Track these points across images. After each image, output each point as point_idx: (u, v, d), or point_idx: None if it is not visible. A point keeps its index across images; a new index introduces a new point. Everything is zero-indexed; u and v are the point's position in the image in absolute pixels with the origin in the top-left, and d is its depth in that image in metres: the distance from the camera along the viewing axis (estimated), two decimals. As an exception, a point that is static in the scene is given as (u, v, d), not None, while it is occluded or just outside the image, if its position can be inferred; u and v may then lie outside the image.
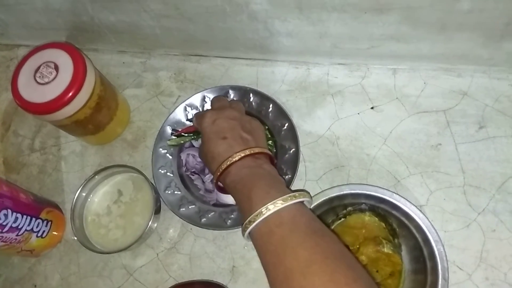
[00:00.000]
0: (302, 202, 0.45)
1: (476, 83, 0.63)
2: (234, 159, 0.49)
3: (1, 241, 0.54)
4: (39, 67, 0.57)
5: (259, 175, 0.48)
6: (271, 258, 0.41)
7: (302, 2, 0.55)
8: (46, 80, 0.56)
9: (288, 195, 0.43)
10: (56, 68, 0.57)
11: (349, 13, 0.56)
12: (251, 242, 0.59)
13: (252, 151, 0.49)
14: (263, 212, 0.42)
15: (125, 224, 0.60)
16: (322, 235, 0.42)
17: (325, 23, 0.58)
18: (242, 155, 0.49)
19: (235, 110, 0.55)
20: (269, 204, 0.42)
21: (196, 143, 0.65)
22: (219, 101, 0.59)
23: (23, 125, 0.74)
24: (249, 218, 0.43)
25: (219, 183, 0.51)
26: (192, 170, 0.63)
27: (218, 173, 0.50)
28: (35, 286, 0.63)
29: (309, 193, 0.47)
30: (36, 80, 0.56)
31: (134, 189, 0.62)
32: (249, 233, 0.44)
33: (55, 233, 0.63)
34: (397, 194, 0.53)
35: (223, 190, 0.53)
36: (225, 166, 0.49)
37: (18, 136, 0.74)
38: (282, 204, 0.42)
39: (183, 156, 0.65)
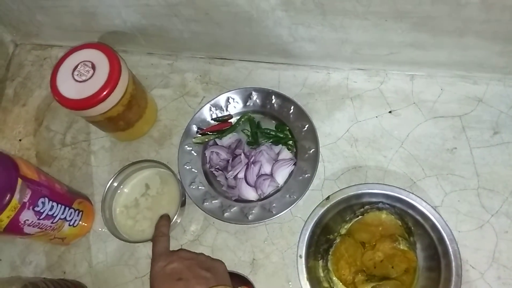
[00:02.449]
0: None
1: (491, 90, 0.65)
2: None
3: (37, 228, 0.58)
4: (77, 66, 0.61)
5: None
6: None
7: (326, 9, 0.58)
8: (84, 78, 0.60)
9: None
10: (93, 67, 0.60)
11: (370, 21, 0.59)
12: (271, 236, 0.62)
13: None
14: None
15: (152, 216, 0.64)
16: None
17: (347, 29, 0.61)
18: None
19: (188, 251, 0.53)
20: None
21: (220, 142, 0.68)
22: (164, 242, 0.54)
23: (55, 121, 0.78)
24: None
25: None
26: (216, 167, 0.67)
27: None
28: (64, 272, 0.66)
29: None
30: (74, 77, 0.60)
31: (161, 184, 0.66)
32: None
33: (84, 223, 0.66)
34: (414, 194, 0.56)
35: None
36: None
37: (50, 131, 0.78)
38: None
39: (207, 153, 0.68)
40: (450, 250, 0.53)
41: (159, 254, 0.52)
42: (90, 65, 0.60)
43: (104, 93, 0.59)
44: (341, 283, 0.56)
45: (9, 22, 0.81)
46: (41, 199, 0.57)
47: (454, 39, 0.59)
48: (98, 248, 0.67)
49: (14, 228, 0.54)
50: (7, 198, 0.51)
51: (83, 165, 0.73)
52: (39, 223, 0.57)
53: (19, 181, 0.53)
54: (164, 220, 0.58)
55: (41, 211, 0.57)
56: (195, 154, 0.68)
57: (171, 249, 0.54)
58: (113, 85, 0.59)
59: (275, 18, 0.62)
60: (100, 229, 0.68)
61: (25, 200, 0.54)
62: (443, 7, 0.53)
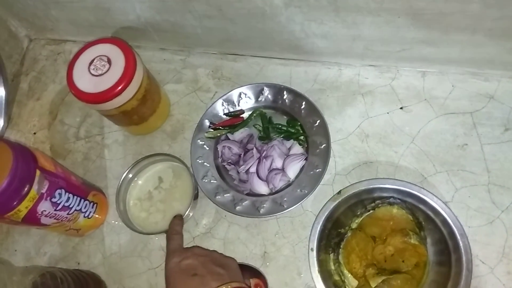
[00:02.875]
0: None
1: (502, 87, 0.65)
2: None
3: (54, 219, 0.59)
4: (93, 60, 0.62)
5: None
6: None
7: (339, 5, 0.59)
8: (100, 72, 0.61)
9: None
10: (109, 61, 0.61)
11: (383, 17, 0.59)
12: (282, 230, 0.63)
13: (229, 286, 0.47)
14: None
15: (165, 209, 0.65)
16: None
17: (360, 26, 0.62)
18: None
19: (202, 248, 0.54)
20: None
21: (232, 136, 0.69)
22: (178, 240, 0.56)
23: (69, 114, 0.80)
24: None
25: None
26: (228, 161, 0.67)
27: None
28: (78, 263, 0.68)
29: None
30: (90, 72, 0.61)
31: (174, 177, 0.67)
32: None
33: (98, 216, 0.67)
34: (425, 189, 0.56)
35: None
36: None
37: (64, 124, 0.79)
38: None
39: (220, 147, 0.69)
40: (461, 245, 0.53)
41: (173, 251, 0.53)
42: (106, 60, 0.61)
43: (120, 87, 0.60)
44: (351, 276, 0.57)
45: (24, 17, 0.82)
46: (58, 191, 0.58)
47: (466, 36, 0.59)
48: (111, 240, 0.68)
49: (31, 218, 0.56)
50: (26, 188, 0.53)
51: (97, 158, 0.74)
52: (55, 214, 0.59)
53: (38, 172, 0.54)
54: (178, 220, 0.60)
55: (58, 202, 0.58)
56: (207, 148, 0.69)
57: (184, 245, 0.56)
58: (129, 80, 0.60)
59: (288, 14, 0.63)
60: (113, 222, 0.69)
61: (43, 191, 0.55)
62: (455, 4, 0.54)
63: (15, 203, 0.52)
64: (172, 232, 0.57)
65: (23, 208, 0.53)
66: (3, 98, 0.79)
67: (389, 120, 0.66)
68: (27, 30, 0.86)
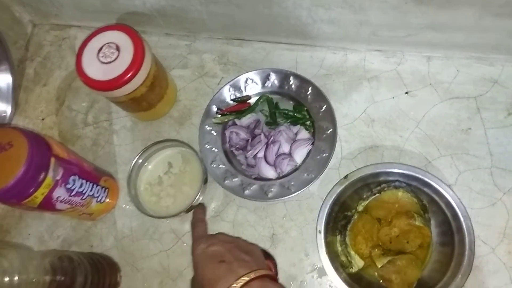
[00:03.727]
0: None
1: (506, 72, 0.66)
2: (240, 283, 0.44)
3: (68, 204, 0.61)
4: (101, 48, 0.62)
5: None
6: None
7: (347, -9, 0.59)
8: (109, 59, 0.61)
9: None
10: (118, 48, 0.62)
11: (390, 3, 0.59)
12: (289, 213, 0.65)
13: (257, 274, 0.45)
14: None
15: (175, 193, 0.66)
16: None
17: (367, 11, 0.62)
18: (247, 279, 0.44)
19: (226, 235, 0.55)
20: None
21: (239, 122, 0.70)
22: (202, 227, 0.58)
23: (76, 100, 0.80)
24: None
25: None
26: (236, 146, 0.69)
27: None
28: (91, 246, 0.69)
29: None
30: (99, 59, 0.62)
31: (183, 162, 0.68)
32: None
33: (110, 200, 0.69)
34: (429, 173, 0.58)
35: None
36: None
37: (72, 110, 0.80)
38: None
39: (227, 133, 0.70)
40: (464, 226, 0.55)
41: (199, 237, 0.55)
42: (115, 47, 0.62)
43: (129, 74, 0.60)
44: (358, 257, 0.59)
45: (29, 2, 0.82)
46: (72, 177, 0.59)
47: (472, 21, 0.60)
48: (123, 223, 0.70)
49: (47, 204, 0.57)
50: (42, 176, 0.54)
51: (106, 144, 0.75)
52: (70, 199, 0.60)
53: (52, 160, 0.55)
54: (201, 209, 0.64)
55: (72, 188, 0.59)
56: (215, 134, 0.70)
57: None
58: (138, 67, 0.61)
59: (295, 0, 0.63)
60: (124, 206, 0.71)
61: (58, 178, 0.56)
62: (463, -10, 0.54)
63: (31, 190, 0.54)
64: (197, 220, 0.60)
65: (39, 195, 0.55)
66: (10, 84, 0.79)
67: (395, 105, 0.67)
68: (31, 15, 0.86)
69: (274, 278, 0.48)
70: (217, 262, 0.47)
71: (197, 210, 0.63)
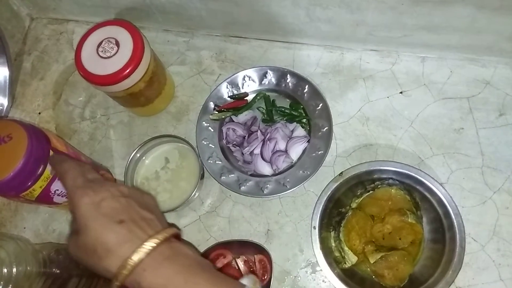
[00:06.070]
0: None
1: (498, 73, 0.68)
2: (147, 248, 0.37)
3: (66, 197, 0.61)
4: (101, 42, 0.63)
5: (190, 269, 0.38)
6: None
7: (345, -9, 0.60)
8: (108, 54, 0.62)
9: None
10: (117, 44, 0.62)
11: (387, 4, 0.60)
12: (285, 209, 0.66)
13: (164, 235, 0.38)
14: None
15: (171, 188, 0.67)
16: None
17: (364, 12, 0.63)
18: (155, 243, 0.37)
19: (113, 183, 0.44)
20: None
21: (236, 118, 0.71)
22: (74, 169, 0.44)
23: (73, 95, 0.80)
24: None
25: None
26: (233, 143, 0.69)
27: (126, 272, 0.36)
28: (88, 240, 0.70)
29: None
30: (98, 54, 0.62)
31: (180, 158, 0.69)
32: None
33: (106, 194, 0.69)
34: (422, 171, 0.59)
35: None
36: (137, 259, 0.36)
37: (69, 105, 0.80)
38: None
39: (224, 129, 0.71)
40: (455, 223, 0.57)
41: (79, 186, 0.42)
42: (114, 42, 0.62)
43: (128, 69, 0.61)
44: (351, 253, 0.61)
45: (26, -4, 0.82)
46: (70, 171, 0.60)
47: (467, 23, 0.61)
48: (119, 217, 0.70)
49: (45, 197, 0.57)
50: (40, 169, 0.54)
51: (103, 138, 0.76)
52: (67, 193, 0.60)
53: (51, 153, 0.56)
54: (60, 155, 0.50)
55: (70, 181, 0.60)
56: (212, 130, 0.71)
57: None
58: (137, 62, 0.61)
59: (294, -1, 0.64)
60: (120, 200, 0.71)
61: (56, 171, 0.57)
62: (458, -8, 0.55)
63: (30, 183, 0.54)
64: (60, 161, 0.46)
65: (37, 188, 0.55)
66: (7, 77, 0.79)
67: (389, 104, 0.69)
68: (29, 9, 0.86)
69: (179, 236, 0.42)
70: (115, 223, 0.38)
71: (56, 158, 0.50)
